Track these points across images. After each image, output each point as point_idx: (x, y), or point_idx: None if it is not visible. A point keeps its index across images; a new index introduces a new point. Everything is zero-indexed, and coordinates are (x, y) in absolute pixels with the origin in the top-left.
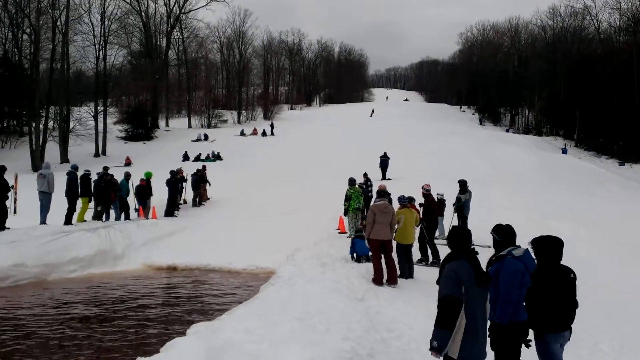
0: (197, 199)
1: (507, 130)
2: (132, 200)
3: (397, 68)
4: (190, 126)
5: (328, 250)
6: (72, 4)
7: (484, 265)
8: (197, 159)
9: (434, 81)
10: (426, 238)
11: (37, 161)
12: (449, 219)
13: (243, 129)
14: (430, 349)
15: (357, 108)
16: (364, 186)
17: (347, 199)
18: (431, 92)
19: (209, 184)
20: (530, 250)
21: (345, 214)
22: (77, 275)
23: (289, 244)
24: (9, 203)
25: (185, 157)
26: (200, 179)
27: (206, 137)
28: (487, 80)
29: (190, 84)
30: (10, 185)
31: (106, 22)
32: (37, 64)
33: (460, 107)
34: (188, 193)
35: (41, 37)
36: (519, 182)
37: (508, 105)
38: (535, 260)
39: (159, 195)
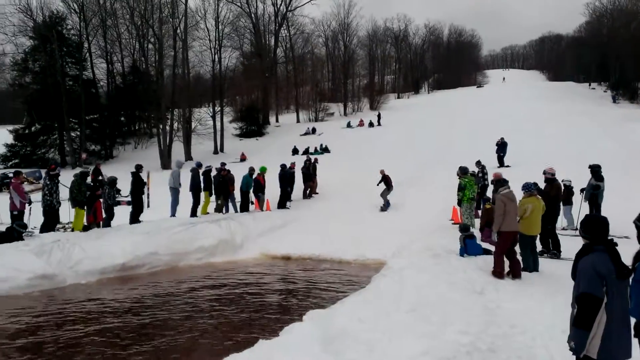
0: (308, 191)
1: None
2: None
3: (514, 46)
4: (298, 121)
5: (440, 241)
6: (189, 12)
7: (624, 259)
8: (306, 152)
9: (557, 58)
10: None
11: (165, 160)
12: (578, 208)
13: (350, 121)
14: (570, 350)
15: (469, 92)
16: (480, 174)
17: (461, 188)
18: (554, 70)
19: (316, 177)
20: None
21: (459, 204)
22: (203, 263)
23: (400, 234)
24: (143, 198)
25: (295, 151)
26: (311, 171)
27: (314, 131)
28: (621, 52)
29: (297, 79)
30: (144, 182)
31: (220, 27)
32: (162, 71)
33: (590, 85)
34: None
35: (164, 45)
36: None
37: None
38: None
39: (272, 189)
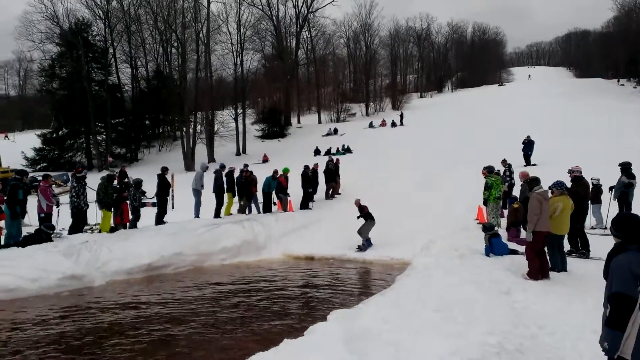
0: (330, 192)
1: None
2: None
3: (539, 43)
4: (320, 121)
5: (465, 241)
6: (211, 16)
7: None
8: (328, 152)
9: (584, 54)
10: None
11: (189, 162)
12: (607, 206)
13: (372, 121)
14: (602, 350)
15: (493, 90)
16: (507, 173)
17: (488, 187)
18: (581, 66)
19: (339, 177)
20: None
21: (486, 203)
22: (227, 263)
23: (423, 234)
24: (168, 199)
25: (317, 152)
26: (333, 172)
27: (336, 131)
28: None
29: (319, 80)
30: (169, 184)
31: (241, 30)
32: (185, 74)
33: (618, 81)
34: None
35: (187, 49)
36: None
37: None
38: None
39: (296, 190)
